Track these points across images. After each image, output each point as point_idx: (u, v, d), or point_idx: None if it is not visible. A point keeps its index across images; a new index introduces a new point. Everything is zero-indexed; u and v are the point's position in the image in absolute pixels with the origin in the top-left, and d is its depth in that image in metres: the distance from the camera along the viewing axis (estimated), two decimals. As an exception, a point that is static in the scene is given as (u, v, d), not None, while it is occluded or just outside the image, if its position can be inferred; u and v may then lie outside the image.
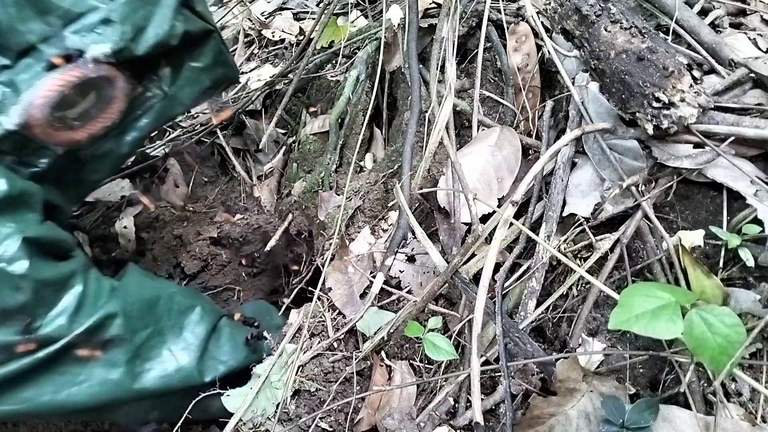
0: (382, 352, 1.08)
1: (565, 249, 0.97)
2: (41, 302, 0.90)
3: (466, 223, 1.10)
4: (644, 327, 0.64)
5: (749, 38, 1.04)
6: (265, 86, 1.85)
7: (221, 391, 1.09)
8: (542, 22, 1.10)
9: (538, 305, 0.99)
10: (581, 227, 0.97)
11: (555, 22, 1.01)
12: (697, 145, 0.92)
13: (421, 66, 1.33)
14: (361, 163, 1.52)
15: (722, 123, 0.90)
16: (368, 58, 1.55)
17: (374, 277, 1.11)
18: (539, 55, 1.23)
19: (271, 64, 2.03)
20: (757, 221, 0.82)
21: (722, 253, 0.86)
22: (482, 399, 0.90)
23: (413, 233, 1.12)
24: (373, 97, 1.50)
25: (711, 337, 0.63)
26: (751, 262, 0.81)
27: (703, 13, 1.11)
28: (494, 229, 0.91)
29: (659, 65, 0.87)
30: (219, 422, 1.08)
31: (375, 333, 1.07)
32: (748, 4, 1.11)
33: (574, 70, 1.12)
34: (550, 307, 1.00)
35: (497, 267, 1.01)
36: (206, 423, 1.30)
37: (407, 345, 1.08)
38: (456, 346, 0.99)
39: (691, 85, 0.87)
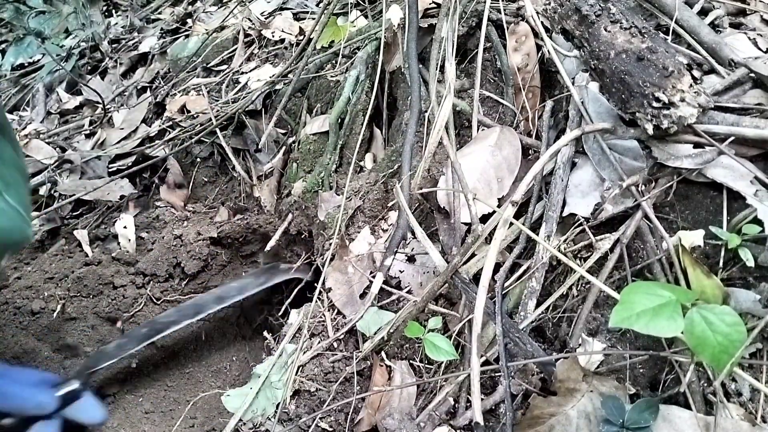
0: (382, 352, 1.08)
1: (565, 249, 0.97)
2: None
3: (466, 223, 1.10)
4: (645, 325, 0.64)
5: (749, 38, 1.04)
6: (265, 86, 1.85)
7: (221, 391, 1.09)
8: (542, 22, 1.10)
9: (538, 305, 0.99)
10: (581, 227, 0.97)
11: (555, 22, 1.01)
12: (697, 145, 0.92)
13: (420, 66, 1.33)
14: (361, 163, 1.52)
15: (722, 123, 0.90)
16: (368, 58, 1.55)
17: (374, 277, 1.11)
18: (539, 55, 1.23)
19: (271, 64, 2.03)
20: (757, 221, 0.82)
21: (722, 253, 0.86)
22: (482, 399, 0.90)
23: (413, 233, 1.12)
24: (373, 97, 1.50)
25: (712, 336, 0.63)
26: (751, 262, 0.81)
27: (703, 13, 1.11)
28: (494, 229, 0.91)
29: (659, 65, 0.87)
30: (219, 422, 1.08)
31: (375, 333, 1.06)
32: (748, 4, 1.11)
33: (574, 70, 1.12)
34: (550, 307, 0.99)
35: (497, 267, 1.01)
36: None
37: (407, 345, 1.08)
38: (456, 346, 0.99)
39: (691, 85, 0.87)
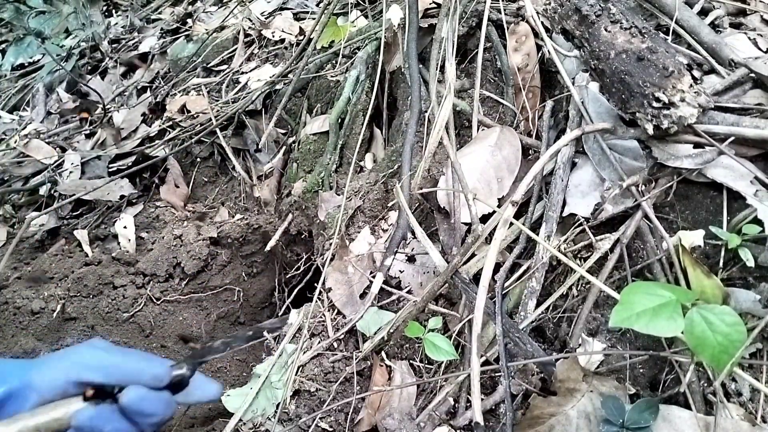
0: (382, 352, 1.08)
1: (565, 249, 0.97)
2: None
3: (466, 223, 1.10)
4: (645, 325, 0.64)
5: (749, 38, 1.04)
6: (265, 86, 1.85)
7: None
8: (542, 22, 1.10)
9: (538, 305, 0.99)
10: (581, 227, 0.97)
11: (555, 22, 1.01)
12: (697, 145, 0.92)
13: (421, 66, 1.33)
14: (361, 163, 1.52)
15: (722, 123, 0.90)
16: (368, 58, 1.55)
17: (374, 277, 1.11)
18: (539, 55, 1.23)
19: (271, 64, 2.03)
20: (757, 221, 0.82)
21: (722, 253, 0.86)
22: (482, 399, 0.90)
23: (413, 233, 1.11)
24: (373, 97, 1.50)
25: (712, 336, 0.63)
26: (751, 262, 0.81)
27: (703, 13, 1.11)
28: (494, 229, 0.91)
29: (659, 65, 0.87)
30: (219, 422, 1.08)
31: (375, 333, 1.06)
32: (748, 4, 1.11)
33: (574, 70, 1.12)
34: (550, 307, 0.99)
35: (497, 267, 1.01)
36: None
37: (407, 345, 1.08)
38: (456, 346, 0.99)
39: (691, 85, 0.87)
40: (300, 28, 2.09)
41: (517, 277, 1.03)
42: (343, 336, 1.11)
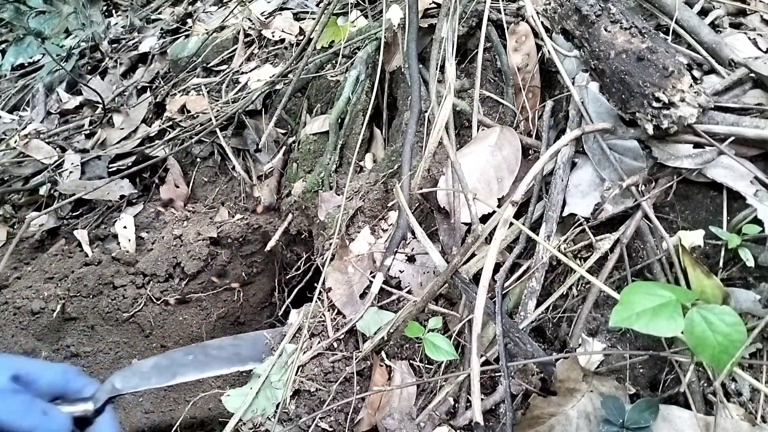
0: (382, 352, 1.08)
1: (565, 249, 0.97)
2: None
3: (466, 223, 1.10)
4: (645, 325, 0.64)
5: (749, 38, 1.04)
6: (265, 86, 1.85)
7: (221, 391, 1.09)
8: (542, 22, 1.10)
9: (538, 305, 0.99)
10: (581, 227, 0.97)
11: (555, 22, 1.01)
12: (697, 145, 0.92)
13: (420, 66, 1.33)
14: (361, 163, 1.52)
15: (722, 123, 0.90)
16: (368, 58, 1.55)
17: (374, 277, 1.11)
18: (539, 55, 1.23)
19: (271, 64, 2.03)
20: (757, 221, 0.82)
21: (722, 253, 0.86)
22: (482, 399, 0.90)
23: (413, 233, 1.11)
24: (373, 97, 1.50)
25: (712, 336, 0.63)
26: (751, 262, 0.81)
27: (703, 13, 1.11)
28: (494, 229, 0.91)
29: (659, 65, 0.87)
30: (219, 422, 1.07)
31: (375, 333, 1.06)
32: (748, 4, 1.11)
33: (574, 70, 1.12)
34: (550, 307, 0.99)
35: (497, 267, 1.01)
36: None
37: (407, 345, 1.08)
38: (456, 346, 0.99)
39: (691, 85, 0.87)
40: (300, 28, 2.09)
41: (517, 277, 1.03)
42: (343, 336, 1.11)
